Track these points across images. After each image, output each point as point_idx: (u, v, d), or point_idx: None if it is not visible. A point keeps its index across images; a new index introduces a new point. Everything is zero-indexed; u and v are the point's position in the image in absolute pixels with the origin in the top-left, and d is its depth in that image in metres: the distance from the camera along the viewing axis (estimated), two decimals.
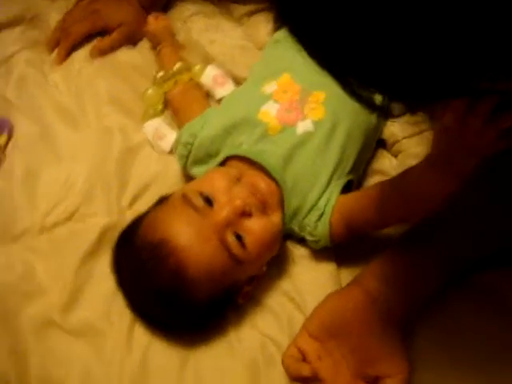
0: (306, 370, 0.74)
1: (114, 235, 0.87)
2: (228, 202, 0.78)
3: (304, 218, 0.85)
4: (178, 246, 0.76)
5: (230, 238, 0.77)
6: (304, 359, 0.75)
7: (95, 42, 1.10)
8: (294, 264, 0.87)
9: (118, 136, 0.99)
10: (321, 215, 0.83)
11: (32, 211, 0.94)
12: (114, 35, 1.09)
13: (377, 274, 0.76)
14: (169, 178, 0.95)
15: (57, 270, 0.89)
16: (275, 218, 0.81)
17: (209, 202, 0.79)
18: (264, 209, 0.81)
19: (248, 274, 0.82)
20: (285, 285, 0.86)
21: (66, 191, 0.95)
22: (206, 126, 0.89)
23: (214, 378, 0.81)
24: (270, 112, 0.86)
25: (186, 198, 0.79)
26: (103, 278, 0.87)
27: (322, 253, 0.87)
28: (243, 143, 0.86)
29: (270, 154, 0.84)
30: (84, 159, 0.97)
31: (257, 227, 0.79)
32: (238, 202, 0.78)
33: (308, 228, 0.84)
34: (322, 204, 0.83)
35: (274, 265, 0.86)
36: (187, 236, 0.77)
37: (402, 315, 0.74)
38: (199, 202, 0.78)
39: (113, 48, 1.09)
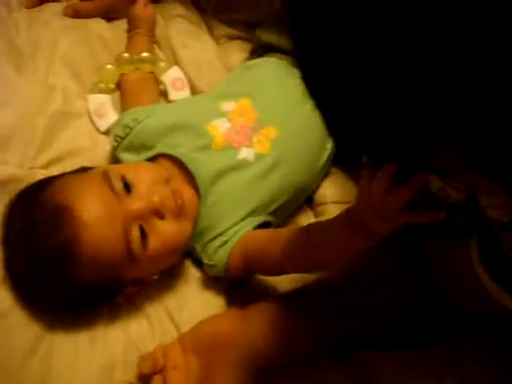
0: (144, 368, 0.74)
1: (16, 188, 0.81)
2: (146, 195, 0.76)
3: (209, 242, 0.83)
4: (80, 218, 0.72)
5: (135, 232, 0.74)
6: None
7: (74, 1, 1.07)
8: (185, 283, 0.85)
9: (59, 97, 0.94)
10: (225, 242, 0.81)
11: None
12: (96, 2, 1.07)
13: (257, 318, 0.75)
14: (94, 156, 0.91)
15: None
16: (186, 227, 0.79)
17: (127, 188, 0.76)
18: (178, 216, 0.78)
19: (137, 274, 0.78)
20: (169, 300, 0.83)
21: None
22: (152, 117, 0.87)
23: (63, 368, 0.76)
24: (219, 127, 0.85)
25: (106, 176, 0.76)
26: None
27: (215, 283, 0.85)
28: (181, 146, 0.84)
29: (204, 165, 0.82)
30: (15, 105, 0.92)
31: (165, 230, 0.76)
32: (156, 199, 0.76)
33: (208, 251, 0.82)
34: (231, 233, 0.82)
35: (166, 277, 0.83)
36: (93, 212, 0.73)
37: (265, 363, 0.73)
38: (118, 185, 0.75)
39: (89, 14, 1.05)
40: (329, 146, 0.91)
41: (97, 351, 0.78)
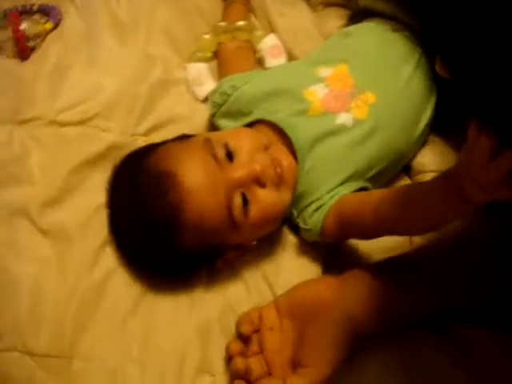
0: (244, 329, 0.74)
1: (119, 154, 0.85)
2: (248, 163, 0.76)
3: (305, 207, 0.82)
4: (184, 185, 0.74)
5: (237, 199, 0.75)
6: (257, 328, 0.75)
7: None
8: (282, 249, 0.85)
9: (160, 66, 0.97)
10: (320, 206, 0.81)
11: (48, 102, 0.92)
12: None
13: (355, 285, 0.74)
14: (193, 124, 0.93)
15: (51, 166, 0.88)
16: (285, 196, 0.79)
17: (230, 156, 0.77)
18: (278, 185, 0.78)
19: (238, 240, 0.79)
20: (266, 265, 0.84)
21: (89, 97, 0.93)
22: (250, 83, 0.88)
23: (163, 326, 0.79)
24: (317, 93, 0.84)
25: (209, 144, 0.77)
26: (94, 190, 0.85)
27: (312, 249, 0.84)
28: (278, 111, 0.84)
29: (302, 130, 0.82)
30: (118, 74, 0.95)
31: (265, 198, 0.77)
32: (258, 167, 0.76)
33: (304, 215, 0.82)
34: (327, 197, 0.81)
35: (264, 243, 0.84)
36: (197, 180, 0.74)
37: (360, 329, 0.72)
38: (221, 152, 0.76)
39: None
40: (427, 112, 0.89)
41: (195, 313, 0.80)
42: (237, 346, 0.75)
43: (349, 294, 0.74)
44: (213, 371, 0.77)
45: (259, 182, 0.77)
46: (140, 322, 0.79)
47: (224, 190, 0.74)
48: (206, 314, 0.80)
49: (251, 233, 0.79)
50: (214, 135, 0.81)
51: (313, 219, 0.81)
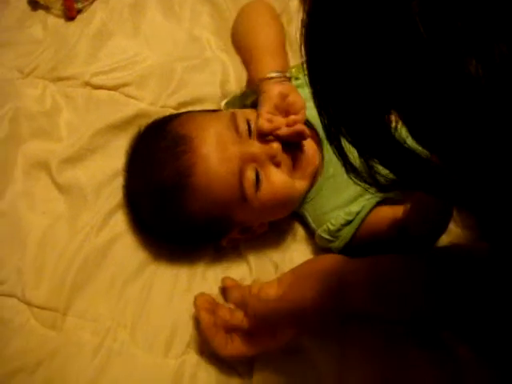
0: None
1: (144, 123, 0.84)
2: (267, 141, 0.76)
3: (327, 214, 0.80)
4: (199, 149, 0.74)
5: (250, 173, 0.74)
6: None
7: None
8: (294, 241, 0.84)
9: (200, 45, 0.96)
10: (349, 221, 0.78)
11: (86, 64, 0.94)
12: None
13: (357, 262, 0.72)
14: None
15: (78, 126, 0.89)
16: (299, 184, 0.78)
17: (251, 133, 0.76)
18: (293, 171, 0.78)
19: (246, 218, 0.78)
20: (274, 253, 0.82)
21: (127, 65, 0.94)
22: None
23: (160, 297, 0.79)
24: None
25: (233, 117, 0.77)
26: (115, 154, 0.86)
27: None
28: (312, 108, 0.81)
29: None
30: (159, 47, 0.96)
31: (277, 179, 0.76)
32: (275, 145, 0.76)
33: (330, 226, 0.79)
34: (354, 211, 0.79)
35: (275, 233, 0.83)
36: (213, 146, 0.74)
37: (350, 300, 0.70)
38: (242, 126, 0.76)
39: None
40: None
41: (194, 288, 0.79)
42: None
43: (349, 264, 0.72)
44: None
45: (274, 160, 0.76)
46: (138, 290, 0.79)
47: (238, 161, 0.74)
48: (204, 291, 0.78)
49: (259, 212, 0.78)
50: (239, 111, 0.80)
51: (342, 233, 0.79)
